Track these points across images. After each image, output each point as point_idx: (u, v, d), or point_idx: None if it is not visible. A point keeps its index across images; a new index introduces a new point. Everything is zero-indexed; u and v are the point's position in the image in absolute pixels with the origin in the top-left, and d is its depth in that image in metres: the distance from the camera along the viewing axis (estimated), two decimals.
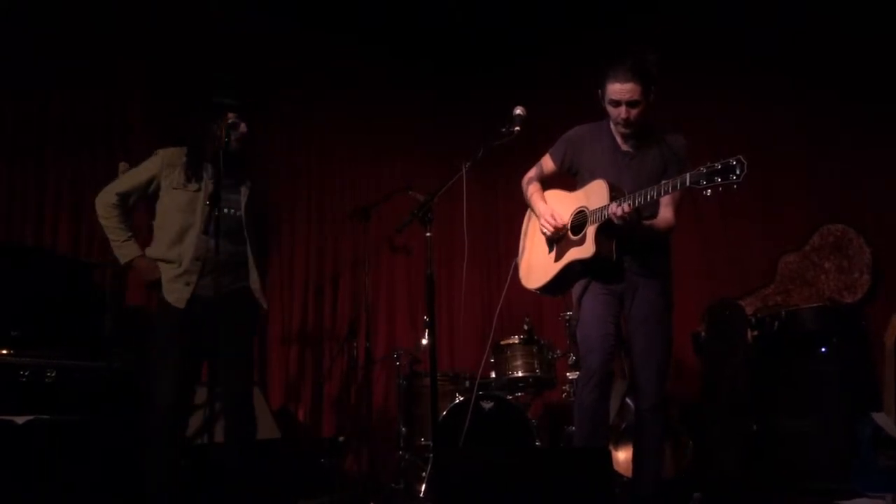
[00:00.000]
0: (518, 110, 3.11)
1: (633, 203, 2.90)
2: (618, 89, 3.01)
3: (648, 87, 3.02)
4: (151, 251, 3.29)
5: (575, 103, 5.29)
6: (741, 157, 2.64)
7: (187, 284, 3.20)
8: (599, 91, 3.11)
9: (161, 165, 3.32)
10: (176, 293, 3.21)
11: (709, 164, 2.71)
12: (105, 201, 3.30)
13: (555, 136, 3.40)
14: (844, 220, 4.58)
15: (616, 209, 2.92)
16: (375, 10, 5.65)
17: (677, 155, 3.14)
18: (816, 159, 4.78)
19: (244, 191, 3.38)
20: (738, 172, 2.64)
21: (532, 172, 3.44)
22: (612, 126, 3.21)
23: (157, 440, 3.14)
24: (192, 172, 3.29)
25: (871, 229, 4.51)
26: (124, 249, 3.28)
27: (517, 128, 3.11)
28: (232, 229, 3.28)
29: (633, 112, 3.04)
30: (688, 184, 2.77)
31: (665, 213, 3.11)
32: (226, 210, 3.25)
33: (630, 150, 3.18)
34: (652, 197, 2.89)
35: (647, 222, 3.07)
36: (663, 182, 2.89)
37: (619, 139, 3.20)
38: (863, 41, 4.63)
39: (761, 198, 4.89)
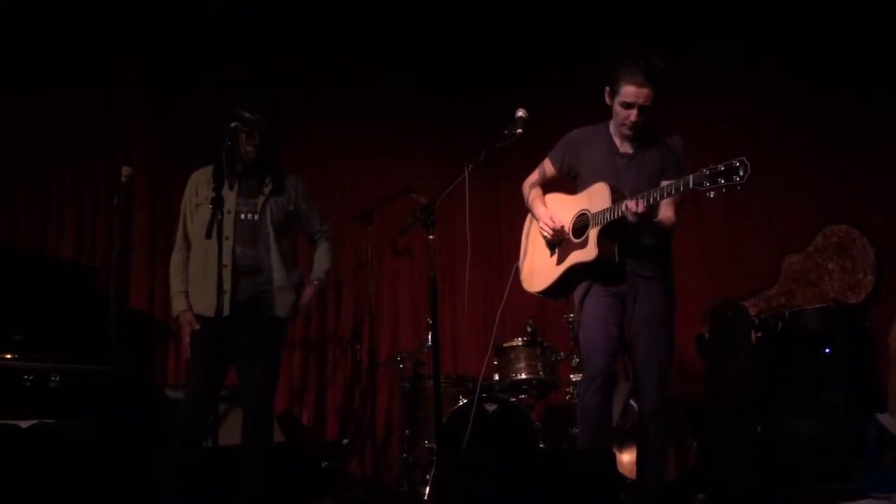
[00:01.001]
0: (520, 112, 3.12)
1: (648, 201, 2.89)
2: (633, 92, 3.01)
3: (658, 94, 3.04)
4: (190, 265, 3.38)
5: (575, 104, 5.33)
6: (744, 158, 2.64)
7: (224, 292, 3.22)
8: (608, 88, 3.11)
9: (189, 188, 3.44)
10: (202, 301, 3.27)
11: (712, 165, 2.71)
12: (172, 260, 3.45)
13: (556, 137, 3.40)
14: (848, 221, 4.58)
15: (634, 206, 2.89)
16: (376, 10, 5.65)
17: (676, 156, 3.15)
18: (819, 159, 4.78)
19: (262, 197, 3.39)
20: (741, 174, 2.65)
21: (533, 177, 3.44)
22: (611, 128, 3.22)
23: (174, 443, 3.20)
24: (217, 185, 3.29)
25: (875, 230, 4.51)
26: (174, 302, 3.39)
27: (519, 130, 3.11)
28: (249, 235, 3.32)
29: (642, 117, 3.06)
30: (691, 185, 2.77)
31: (667, 212, 3.12)
32: (242, 216, 3.33)
33: (629, 151, 3.19)
34: (656, 199, 2.90)
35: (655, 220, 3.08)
36: (665, 184, 2.90)
37: (617, 141, 3.20)
38: (865, 41, 4.62)
39: (764, 198, 4.88)
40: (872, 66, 4.59)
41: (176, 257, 3.44)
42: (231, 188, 3.34)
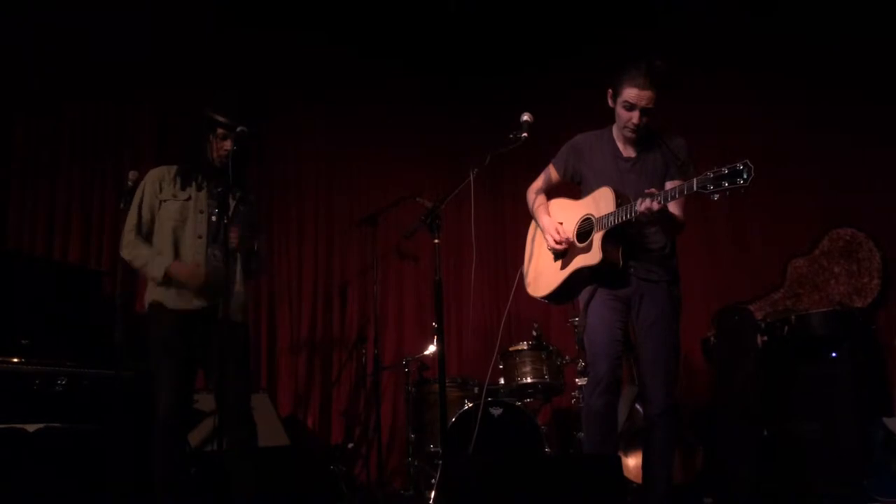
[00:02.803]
0: (525, 117, 3.12)
1: (664, 200, 2.88)
2: (635, 95, 3.02)
3: (660, 96, 3.04)
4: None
5: (577, 105, 5.34)
6: (748, 161, 2.64)
7: (188, 291, 3.25)
8: (611, 90, 3.12)
9: (150, 184, 3.40)
10: (171, 297, 3.25)
11: (716, 168, 2.72)
12: (125, 243, 3.36)
13: (561, 141, 3.41)
14: (854, 224, 4.56)
15: (651, 205, 2.87)
16: (379, 16, 5.68)
17: (677, 155, 3.16)
18: (826, 163, 4.75)
19: (233, 202, 3.40)
20: (745, 176, 2.65)
21: (538, 183, 3.44)
22: (614, 131, 3.23)
23: (158, 447, 3.19)
24: (183, 182, 3.36)
25: (881, 233, 4.48)
26: (156, 264, 3.27)
27: (525, 134, 3.11)
28: (218, 237, 3.31)
29: (645, 119, 3.07)
30: (695, 188, 2.77)
31: (675, 211, 3.11)
32: (213, 217, 3.33)
33: (632, 155, 3.19)
34: (660, 202, 2.89)
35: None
36: (669, 189, 2.90)
37: (620, 145, 3.21)
38: (871, 40, 4.60)
39: (770, 202, 4.87)
40: (878, 69, 4.57)
41: (131, 237, 3.34)
42: (199, 189, 3.35)
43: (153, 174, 3.43)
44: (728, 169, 2.68)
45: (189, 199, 3.35)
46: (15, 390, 3.29)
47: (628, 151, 3.20)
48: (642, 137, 3.15)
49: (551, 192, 3.44)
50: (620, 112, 3.11)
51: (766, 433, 4.05)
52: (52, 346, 3.51)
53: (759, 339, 4.16)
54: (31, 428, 3.23)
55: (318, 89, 5.78)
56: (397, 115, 6.15)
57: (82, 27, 4.76)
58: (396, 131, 6.14)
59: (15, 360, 3.36)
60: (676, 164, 3.14)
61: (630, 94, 3.03)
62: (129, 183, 3.53)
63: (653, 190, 2.92)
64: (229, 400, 3.25)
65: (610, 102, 3.15)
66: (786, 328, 4.12)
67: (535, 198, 3.43)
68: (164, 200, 3.35)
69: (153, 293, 3.29)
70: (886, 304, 4.40)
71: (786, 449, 3.98)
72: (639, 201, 2.91)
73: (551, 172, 3.39)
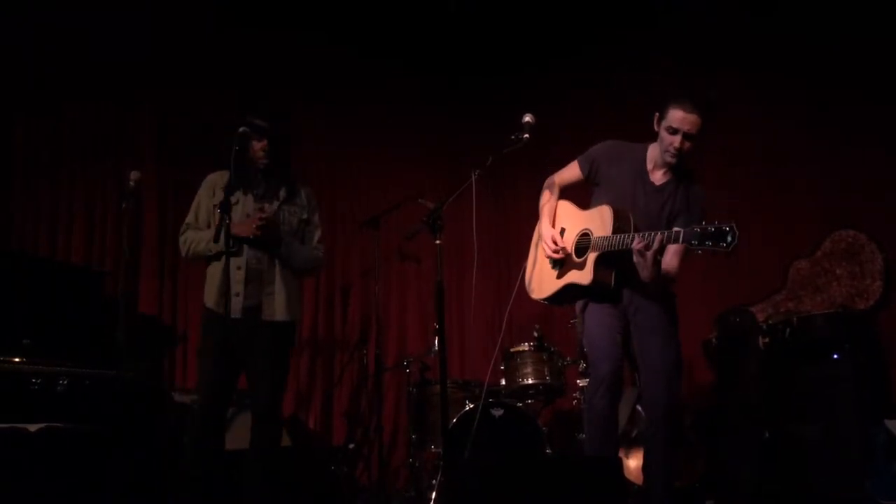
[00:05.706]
0: (527, 118, 3.12)
1: (652, 244, 2.85)
2: (680, 117, 2.98)
3: (706, 125, 3.01)
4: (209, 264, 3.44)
5: (579, 108, 5.33)
6: (734, 224, 2.63)
7: (236, 294, 3.31)
8: (658, 114, 3.08)
9: (205, 190, 3.51)
10: (216, 298, 3.32)
11: (704, 224, 2.71)
12: (180, 243, 3.50)
13: (562, 141, 3.40)
14: (856, 226, 4.56)
15: (637, 244, 2.88)
16: (379, 16, 5.68)
17: (691, 208, 3.12)
18: (826, 163, 4.76)
19: (277, 203, 3.46)
20: (728, 240, 2.64)
21: (556, 177, 3.40)
22: (649, 151, 3.18)
23: (190, 445, 3.29)
24: (231, 187, 3.35)
25: (884, 235, 4.49)
26: (208, 234, 3.36)
27: (527, 135, 3.11)
28: (261, 240, 3.35)
29: (687, 144, 3.01)
30: (681, 241, 2.78)
31: (672, 261, 3.07)
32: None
33: (654, 182, 3.15)
34: (650, 245, 2.86)
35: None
36: (659, 233, 2.87)
37: (649, 166, 3.16)
38: (872, 42, 4.61)
39: (771, 202, 4.87)
40: (878, 69, 4.57)
41: (192, 230, 3.47)
42: (246, 193, 3.42)
43: (209, 180, 3.52)
44: (714, 228, 2.67)
45: (237, 202, 3.40)
46: (16, 390, 3.28)
47: (655, 176, 3.16)
48: (676, 168, 3.11)
49: (568, 189, 3.40)
50: (663, 135, 3.05)
51: (767, 435, 4.05)
52: (54, 346, 3.51)
53: (760, 341, 4.16)
54: (32, 428, 3.22)
55: (318, 89, 5.76)
56: (397, 115, 6.14)
57: (82, 27, 4.75)
58: (396, 131, 6.12)
59: (16, 359, 3.36)
60: (687, 213, 3.09)
61: (675, 116, 2.99)
62: (132, 183, 3.54)
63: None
64: (254, 401, 3.37)
65: (655, 126, 3.10)
66: (787, 330, 4.12)
67: (550, 196, 3.38)
68: (215, 205, 3.40)
69: (204, 298, 3.40)
70: (888, 306, 4.41)
71: (787, 450, 3.98)
72: (636, 239, 2.88)
73: (574, 170, 3.34)
